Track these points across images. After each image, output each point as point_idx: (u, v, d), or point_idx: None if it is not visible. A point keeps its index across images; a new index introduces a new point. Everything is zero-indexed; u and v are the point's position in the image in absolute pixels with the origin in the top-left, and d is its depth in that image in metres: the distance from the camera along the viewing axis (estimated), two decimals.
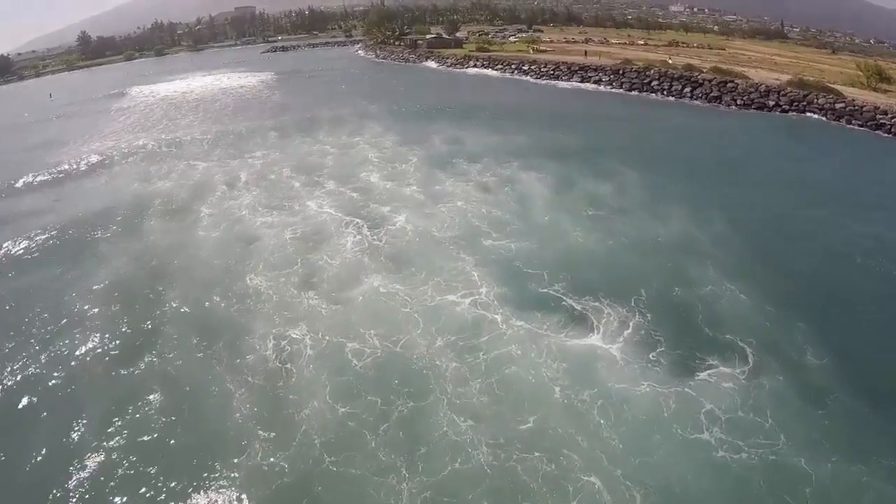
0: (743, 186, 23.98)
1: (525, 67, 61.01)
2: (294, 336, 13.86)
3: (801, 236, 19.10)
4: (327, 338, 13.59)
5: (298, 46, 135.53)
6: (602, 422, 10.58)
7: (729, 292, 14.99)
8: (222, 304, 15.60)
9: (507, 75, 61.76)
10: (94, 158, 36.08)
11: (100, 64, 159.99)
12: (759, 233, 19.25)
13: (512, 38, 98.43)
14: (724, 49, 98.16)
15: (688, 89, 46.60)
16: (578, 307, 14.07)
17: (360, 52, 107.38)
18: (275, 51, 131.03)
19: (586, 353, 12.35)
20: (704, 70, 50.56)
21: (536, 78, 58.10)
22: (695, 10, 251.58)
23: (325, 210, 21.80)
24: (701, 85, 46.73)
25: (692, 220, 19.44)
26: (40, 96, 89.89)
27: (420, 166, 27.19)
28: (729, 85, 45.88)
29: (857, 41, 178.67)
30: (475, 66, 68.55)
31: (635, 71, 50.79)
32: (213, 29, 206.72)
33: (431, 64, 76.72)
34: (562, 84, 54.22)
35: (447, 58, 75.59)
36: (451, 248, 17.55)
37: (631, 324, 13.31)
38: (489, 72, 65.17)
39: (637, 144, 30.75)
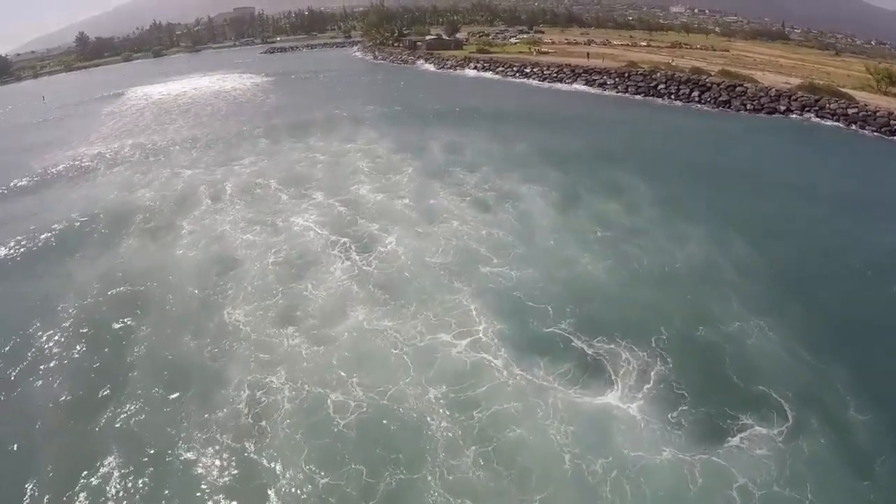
0: (761, 199, 22.46)
1: (527, 70, 59.44)
2: (271, 384, 12.34)
3: (829, 256, 17.58)
4: (307, 387, 12.07)
5: (296, 48, 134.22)
6: (617, 501, 9.05)
7: (758, 330, 13.45)
8: (195, 344, 14.06)
9: (509, 78, 60.19)
10: (77, 164, 34.82)
11: (97, 65, 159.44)
12: (783, 253, 17.70)
13: (513, 40, 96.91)
14: (727, 51, 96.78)
15: (696, 93, 45.02)
16: (590, 351, 12.51)
17: (357, 53, 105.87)
18: (273, 52, 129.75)
19: (599, 411, 10.80)
20: (712, 73, 49.02)
21: (539, 81, 56.58)
22: (695, 11, 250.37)
23: (311, 227, 20.26)
24: (709, 89, 45.16)
25: (711, 240, 17.90)
26: (34, 98, 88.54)
27: (414, 177, 25.65)
28: (738, 89, 44.31)
29: (858, 43, 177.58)
30: (475, 68, 67.00)
31: (641, 74, 49.23)
32: (211, 30, 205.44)
33: (430, 66, 75.16)
34: (565, 87, 52.65)
35: (447, 59, 74.04)
36: (446, 276, 16.01)
37: (652, 373, 11.74)
38: (490, 74, 63.60)
39: (646, 153, 29.23)
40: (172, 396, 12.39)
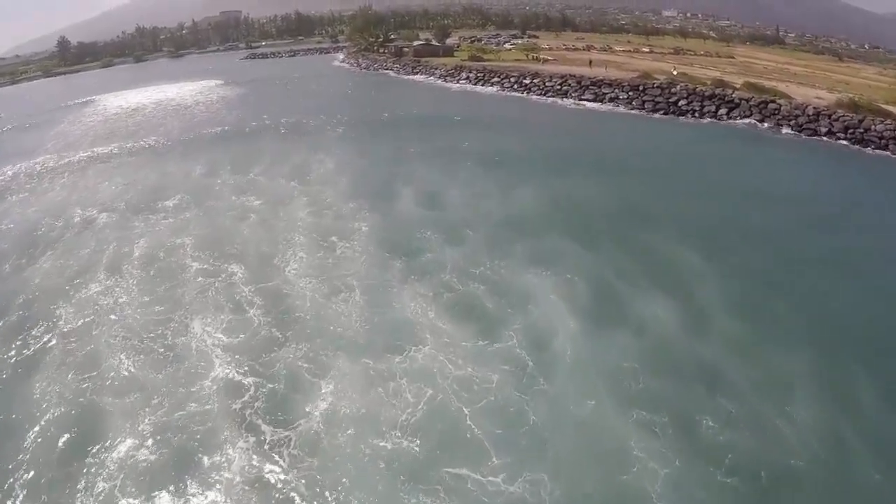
0: (867, 289, 15.71)
1: (526, 81, 52.37)
2: None
3: None
4: None
5: (278, 54, 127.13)
6: None
7: None
8: None
9: (506, 91, 53.05)
10: None
11: (77, 71, 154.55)
12: None
13: (507, 46, 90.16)
14: (732, 57, 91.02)
15: (723, 111, 38.71)
16: None
17: (340, 59, 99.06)
18: (253, 57, 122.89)
19: None
20: (737, 86, 42.72)
21: (541, 95, 49.47)
22: (688, 15, 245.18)
23: (212, 352, 13.38)
24: (738, 105, 38.87)
25: (826, 389, 11.24)
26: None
27: (370, 246, 18.73)
28: (770, 106, 38.13)
29: (853, 47, 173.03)
30: (468, 78, 59.88)
31: (658, 87, 42.60)
32: (196, 34, 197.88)
33: (417, 76, 68.27)
34: (572, 104, 45.38)
35: (436, 68, 67.08)
36: (403, 489, 9.29)
37: None
38: (482, 87, 56.46)
39: (691, 203, 22.15)
40: None
